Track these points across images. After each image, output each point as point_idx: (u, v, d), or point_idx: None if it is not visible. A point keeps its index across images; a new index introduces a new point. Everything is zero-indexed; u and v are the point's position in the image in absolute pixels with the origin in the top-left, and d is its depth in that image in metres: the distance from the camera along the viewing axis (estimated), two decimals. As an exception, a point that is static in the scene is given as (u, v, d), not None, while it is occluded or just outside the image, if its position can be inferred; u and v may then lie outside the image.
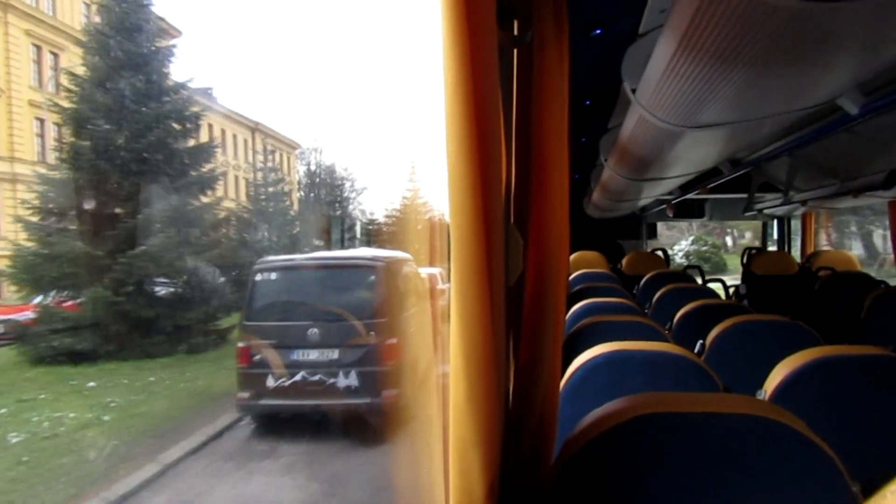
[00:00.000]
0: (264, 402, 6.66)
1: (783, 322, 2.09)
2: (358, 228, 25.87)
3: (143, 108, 11.47)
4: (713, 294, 3.50)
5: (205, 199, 12.61)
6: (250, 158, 24.01)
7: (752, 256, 5.66)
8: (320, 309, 6.81)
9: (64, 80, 12.11)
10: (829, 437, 0.80)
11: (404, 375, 6.88)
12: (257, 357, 6.68)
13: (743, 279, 5.64)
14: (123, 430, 6.96)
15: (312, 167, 30.58)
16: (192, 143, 12.54)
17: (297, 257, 8.14)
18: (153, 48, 11.89)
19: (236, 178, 23.95)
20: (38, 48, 18.45)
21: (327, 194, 29.77)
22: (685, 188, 4.61)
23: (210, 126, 22.64)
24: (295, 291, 7.04)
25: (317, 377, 6.60)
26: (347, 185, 30.71)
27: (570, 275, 4.32)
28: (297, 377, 6.60)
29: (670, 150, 2.50)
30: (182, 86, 12.46)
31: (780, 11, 1.05)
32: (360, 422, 6.63)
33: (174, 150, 11.78)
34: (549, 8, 0.83)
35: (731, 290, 5.74)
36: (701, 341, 2.13)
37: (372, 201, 42.81)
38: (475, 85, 0.65)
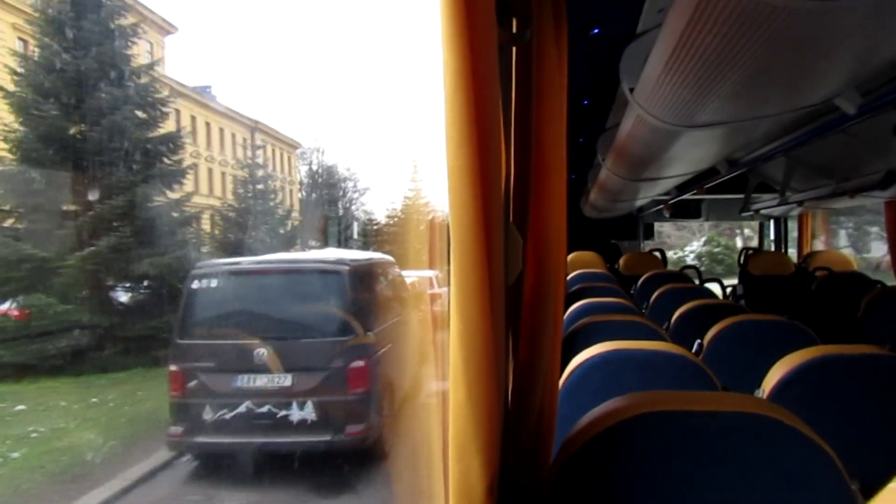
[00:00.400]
0: (201, 439, 5.41)
1: (780, 322, 2.10)
2: (355, 228, 24.73)
3: (101, 94, 10.25)
4: (710, 294, 3.57)
5: (172, 195, 11.36)
6: (248, 156, 22.87)
7: (749, 257, 5.66)
8: (270, 324, 5.54)
9: (10, 61, 10.94)
10: (827, 436, 0.79)
11: (377, 405, 5.63)
12: (192, 383, 5.43)
13: (740, 279, 5.61)
14: (30, 471, 5.71)
15: (314, 167, 29.73)
16: (158, 132, 11.27)
17: (245, 260, 6.82)
18: (111, 25, 10.65)
19: (233, 176, 22.79)
20: (26, 43, 17.48)
21: (328, 194, 28.90)
22: (682, 188, 4.57)
23: (208, 124, 21.72)
24: (240, 302, 5.76)
25: (265, 409, 5.35)
26: (350, 185, 29.77)
27: (567, 274, 3.92)
28: (241, 409, 5.36)
29: (668, 150, 2.51)
30: (146, 69, 11.23)
31: (780, 11, 1.02)
32: (319, 464, 5.39)
33: (135, 139, 10.53)
34: (548, 6, 0.83)
35: (728, 291, 5.74)
36: (699, 341, 2.13)
37: (374, 201, 41.62)
38: (475, 82, 0.64)
